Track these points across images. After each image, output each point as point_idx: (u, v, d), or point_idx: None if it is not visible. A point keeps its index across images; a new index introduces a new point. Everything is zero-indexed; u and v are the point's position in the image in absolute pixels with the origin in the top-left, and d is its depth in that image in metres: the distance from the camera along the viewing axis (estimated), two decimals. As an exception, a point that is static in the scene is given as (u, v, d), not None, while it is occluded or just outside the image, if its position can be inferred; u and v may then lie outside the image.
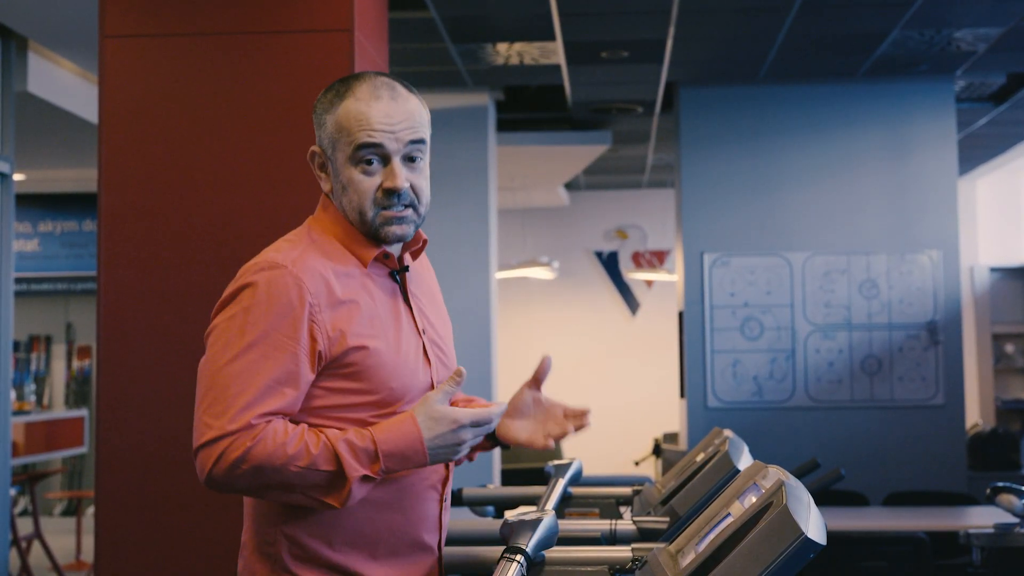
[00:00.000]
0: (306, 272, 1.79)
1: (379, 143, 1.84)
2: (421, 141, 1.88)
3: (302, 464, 1.71)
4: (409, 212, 1.87)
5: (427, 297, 1.99)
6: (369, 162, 1.84)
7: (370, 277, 1.87)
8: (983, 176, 10.32)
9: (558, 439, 2.06)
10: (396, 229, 1.86)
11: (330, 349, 1.78)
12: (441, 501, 1.94)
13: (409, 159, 1.87)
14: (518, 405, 2.08)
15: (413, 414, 1.77)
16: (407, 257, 1.94)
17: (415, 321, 1.92)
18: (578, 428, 2.06)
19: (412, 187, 1.87)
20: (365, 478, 1.74)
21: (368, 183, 1.85)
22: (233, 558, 3.50)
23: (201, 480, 1.74)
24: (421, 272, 2.02)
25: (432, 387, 1.91)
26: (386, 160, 1.85)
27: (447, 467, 1.94)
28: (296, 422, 1.78)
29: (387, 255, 1.89)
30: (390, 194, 1.85)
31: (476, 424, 1.79)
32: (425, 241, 1.97)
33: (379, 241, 1.88)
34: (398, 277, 1.92)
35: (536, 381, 2.10)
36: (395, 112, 1.85)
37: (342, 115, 1.85)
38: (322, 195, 1.94)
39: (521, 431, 2.08)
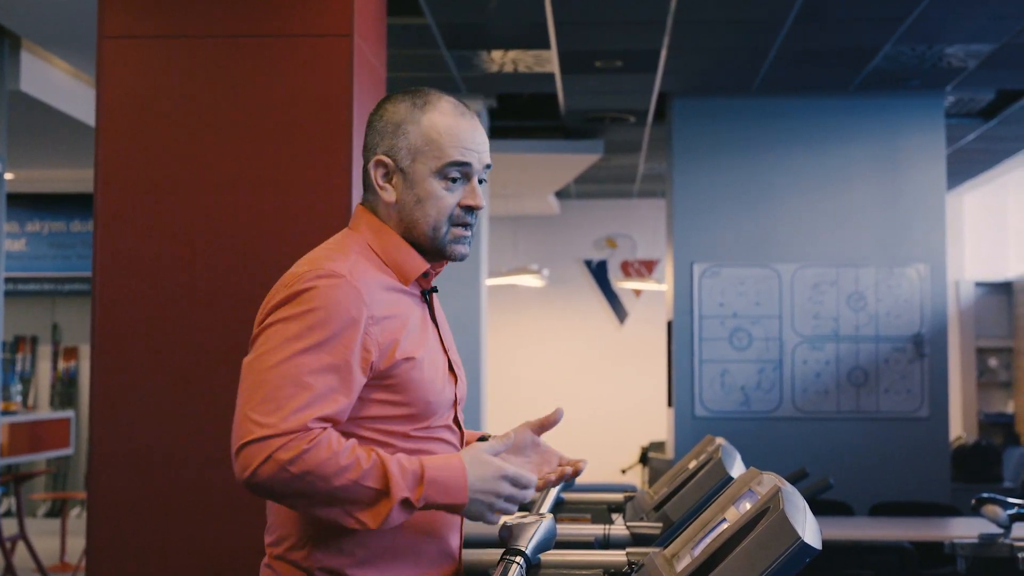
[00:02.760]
0: (363, 283, 1.78)
1: (469, 162, 1.87)
2: (489, 167, 1.93)
3: (352, 477, 1.67)
4: (470, 233, 1.92)
5: (441, 316, 2.01)
6: (454, 179, 1.87)
7: (407, 293, 1.88)
8: (970, 191, 10.38)
9: (552, 484, 2.05)
10: (462, 248, 1.89)
11: (380, 360, 1.77)
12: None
13: (480, 182, 1.92)
14: (518, 442, 2.07)
15: (460, 455, 1.76)
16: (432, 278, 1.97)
17: (441, 339, 1.94)
18: (573, 475, 2.05)
19: None
20: (405, 503, 1.70)
21: (450, 199, 1.86)
22: (226, 561, 3.51)
23: (240, 479, 1.68)
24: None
25: (455, 404, 1.93)
26: (467, 179, 1.88)
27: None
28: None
29: (427, 273, 1.90)
30: (470, 212, 1.88)
31: (516, 483, 1.77)
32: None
33: (443, 257, 1.90)
34: (427, 296, 1.94)
35: (542, 427, 2.09)
36: (480, 134, 1.90)
37: (429, 128, 1.86)
38: (359, 208, 1.93)
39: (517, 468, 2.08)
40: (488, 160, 1.91)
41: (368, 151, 1.91)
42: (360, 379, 1.75)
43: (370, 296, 1.78)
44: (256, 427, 1.67)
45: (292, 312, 1.74)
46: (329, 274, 1.76)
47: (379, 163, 1.88)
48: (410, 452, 1.79)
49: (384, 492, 1.68)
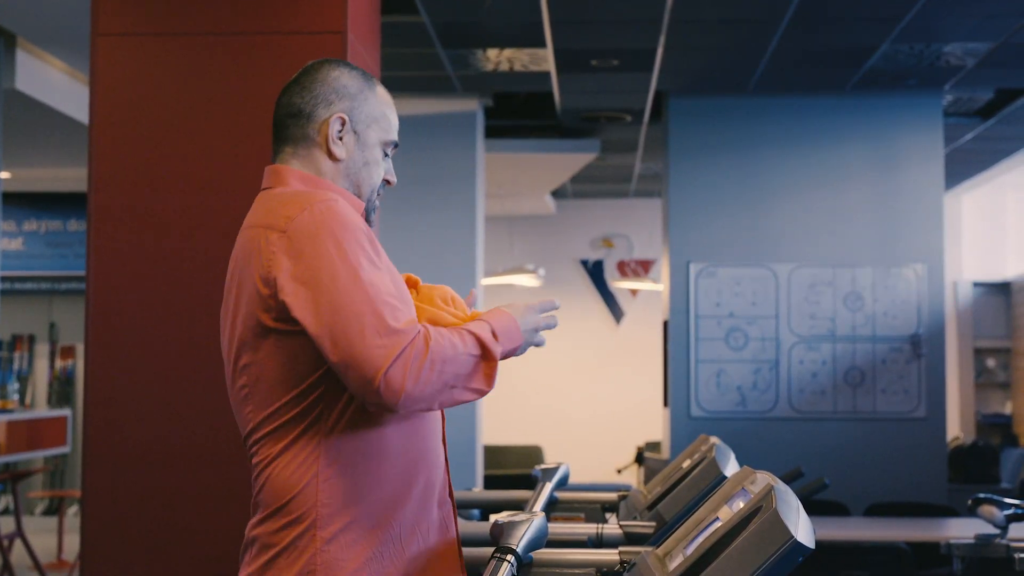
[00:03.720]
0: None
1: (398, 144, 2.03)
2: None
3: (465, 351, 1.75)
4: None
5: None
6: (385, 155, 2.00)
7: None
8: (968, 191, 10.38)
9: None
10: (375, 217, 2.01)
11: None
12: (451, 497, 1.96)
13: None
14: None
15: (496, 308, 1.90)
16: None
17: None
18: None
19: None
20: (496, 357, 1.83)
21: (381, 171, 2.00)
22: (221, 555, 3.50)
23: (396, 403, 1.67)
24: None
25: None
26: (388, 157, 2.03)
27: (447, 474, 1.95)
28: None
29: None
30: (384, 187, 2.03)
31: (543, 308, 1.93)
32: None
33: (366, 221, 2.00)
34: None
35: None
36: None
37: (380, 103, 1.99)
38: (282, 168, 1.93)
39: None
40: None
41: (319, 106, 1.92)
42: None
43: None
44: (384, 349, 1.68)
45: (321, 239, 1.75)
46: (323, 200, 1.80)
47: (340, 119, 1.93)
48: None
49: (484, 355, 1.78)
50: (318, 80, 1.94)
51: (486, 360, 1.78)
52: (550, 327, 1.93)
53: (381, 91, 1.99)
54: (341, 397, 1.78)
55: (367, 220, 1.95)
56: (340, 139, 1.93)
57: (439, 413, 1.93)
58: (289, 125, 1.94)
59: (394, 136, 2.00)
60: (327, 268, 1.73)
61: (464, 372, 1.75)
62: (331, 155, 1.93)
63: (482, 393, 1.79)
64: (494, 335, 1.81)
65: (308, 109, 1.92)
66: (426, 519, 1.86)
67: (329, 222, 1.76)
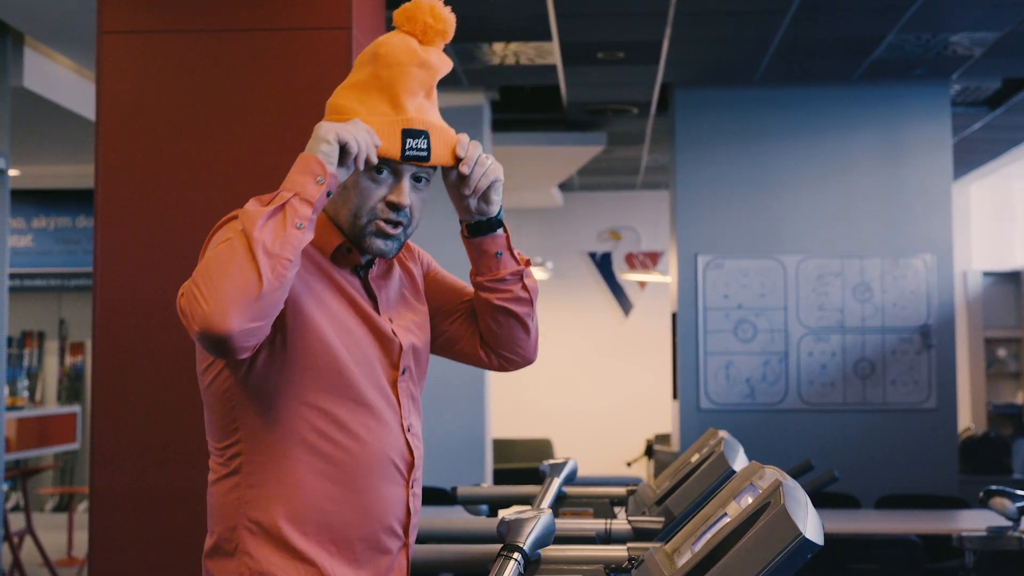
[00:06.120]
0: None
1: (397, 160, 1.88)
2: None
3: (225, 244, 1.73)
4: (399, 231, 1.90)
5: (390, 293, 2.03)
6: (379, 171, 1.88)
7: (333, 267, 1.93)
8: (977, 181, 10.34)
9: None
10: (379, 243, 1.89)
11: None
12: (408, 486, 1.93)
13: (419, 180, 1.92)
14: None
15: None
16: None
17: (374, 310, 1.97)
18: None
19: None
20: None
21: (371, 195, 1.88)
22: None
23: (218, 333, 1.68)
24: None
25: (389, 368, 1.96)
26: (397, 175, 1.89)
27: (410, 451, 1.93)
28: None
29: (350, 249, 1.92)
30: (393, 208, 1.88)
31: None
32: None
33: (362, 249, 1.92)
34: (362, 273, 1.96)
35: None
36: None
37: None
38: None
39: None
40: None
41: None
42: None
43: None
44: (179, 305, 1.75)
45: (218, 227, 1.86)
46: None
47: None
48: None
49: (247, 234, 1.72)
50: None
51: (248, 232, 1.70)
52: (343, 135, 1.78)
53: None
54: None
55: (362, 249, 1.90)
56: None
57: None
58: None
59: (380, 152, 1.84)
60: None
61: (237, 259, 1.69)
62: None
63: (269, 256, 1.69)
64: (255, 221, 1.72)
65: None
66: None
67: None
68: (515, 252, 2.04)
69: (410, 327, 1.99)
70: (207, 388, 1.89)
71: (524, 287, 2.06)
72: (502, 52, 6.18)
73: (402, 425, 1.92)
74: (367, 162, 1.82)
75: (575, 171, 9.49)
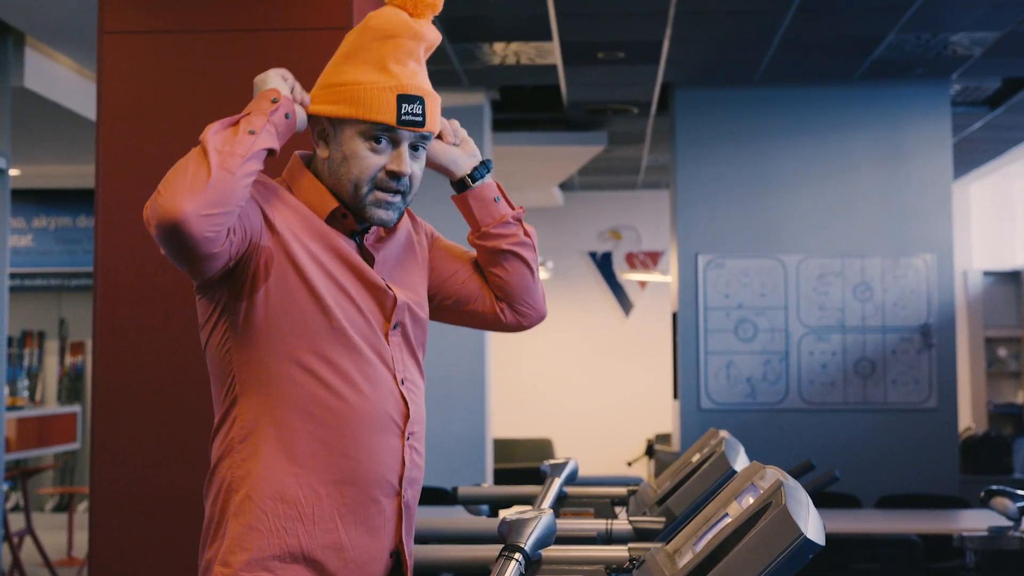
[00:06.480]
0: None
1: (396, 127, 1.91)
2: (425, 137, 1.97)
3: (187, 157, 1.79)
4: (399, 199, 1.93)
5: (392, 254, 2.03)
6: (378, 140, 1.89)
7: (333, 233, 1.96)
8: (977, 180, 10.34)
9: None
10: (381, 212, 1.92)
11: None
12: (403, 437, 1.92)
13: (415, 149, 1.94)
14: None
15: None
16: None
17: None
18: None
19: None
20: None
21: (371, 163, 1.90)
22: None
23: (174, 224, 1.74)
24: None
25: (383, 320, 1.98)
26: (395, 144, 1.91)
27: (405, 403, 1.92)
28: None
29: (344, 214, 1.93)
30: (394, 177, 1.90)
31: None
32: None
33: (363, 219, 1.93)
34: (359, 238, 1.97)
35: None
36: None
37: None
38: (297, 158, 2.02)
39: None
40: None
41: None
42: None
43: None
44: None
45: None
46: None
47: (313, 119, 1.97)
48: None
49: (203, 147, 1.82)
50: None
51: (203, 139, 1.80)
52: (276, 71, 1.96)
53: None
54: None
55: (363, 218, 1.91)
56: (324, 141, 1.95)
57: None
58: None
59: (377, 118, 1.88)
60: None
61: (191, 159, 1.77)
62: (318, 153, 1.95)
63: (220, 153, 1.78)
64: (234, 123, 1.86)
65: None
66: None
67: None
68: (507, 197, 2.11)
69: (407, 289, 1.99)
70: (207, 347, 1.95)
71: (525, 232, 2.11)
72: (502, 52, 6.19)
73: (395, 377, 1.91)
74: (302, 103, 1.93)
75: (575, 171, 9.49)
